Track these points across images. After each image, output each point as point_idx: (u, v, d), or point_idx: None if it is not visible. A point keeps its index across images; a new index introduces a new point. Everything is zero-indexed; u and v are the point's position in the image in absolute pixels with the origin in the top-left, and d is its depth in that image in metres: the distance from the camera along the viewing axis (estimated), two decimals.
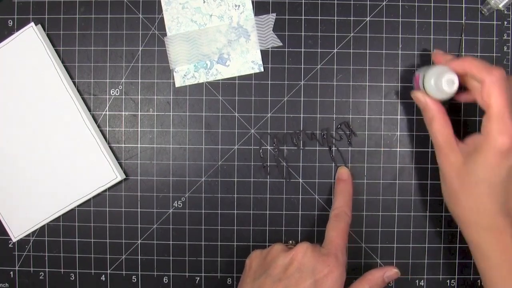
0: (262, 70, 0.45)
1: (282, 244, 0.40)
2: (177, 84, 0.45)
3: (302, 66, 0.45)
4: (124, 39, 0.45)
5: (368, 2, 0.45)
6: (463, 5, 0.45)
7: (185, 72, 0.45)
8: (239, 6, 0.44)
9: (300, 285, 0.36)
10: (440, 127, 0.38)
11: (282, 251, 0.39)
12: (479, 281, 0.45)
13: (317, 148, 0.45)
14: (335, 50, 0.45)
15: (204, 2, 0.44)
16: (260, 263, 0.39)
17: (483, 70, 0.35)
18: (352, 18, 0.45)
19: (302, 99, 0.45)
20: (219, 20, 0.44)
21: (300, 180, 0.45)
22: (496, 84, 0.34)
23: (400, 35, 0.45)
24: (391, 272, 0.41)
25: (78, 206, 0.45)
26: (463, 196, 0.37)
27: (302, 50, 0.45)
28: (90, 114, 0.45)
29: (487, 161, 0.35)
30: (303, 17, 0.45)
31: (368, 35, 0.45)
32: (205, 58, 0.44)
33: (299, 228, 0.45)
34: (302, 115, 0.45)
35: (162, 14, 0.45)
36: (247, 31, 0.44)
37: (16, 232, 0.45)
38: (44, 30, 0.45)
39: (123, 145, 0.45)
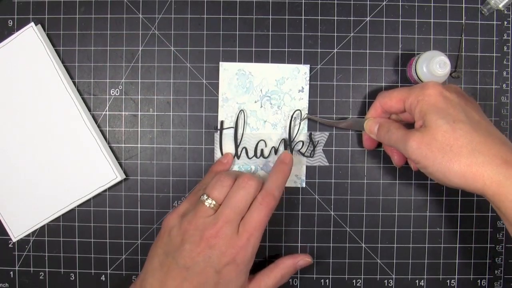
0: (304, 186, 0.45)
1: (205, 204, 0.37)
2: None
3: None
4: (124, 39, 0.45)
5: (368, 2, 0.45)
6: (463, 5, 0.45)
7: None
8: (295, 118, 0.44)
9: (202, 276, 0.35)
10: (395, 130, 0.37)
11: (198, 228, 0.36)
12: (479, 281, 0.45)
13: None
14: (335, 50, 0.45)
15: (261, 107, 0.44)
16: (176, 233, 0.37)
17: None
18: (352, 18, 0.45)
19: None
20: (272, 128, 0.44)
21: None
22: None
23: (400, 35, 0.45)
24: (304, 262, 0.42)
25: (78, 206, 0.45)
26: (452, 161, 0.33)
27: (302, 50, 0.45)
28: (90, 114, 0.45)
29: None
30: (303, 17, 0.45)
31: (368, 35, 0.45)
32: (251, 163, 0.44)
33: (299, 228, 0.45)
34: None
35: (162, 14, 0.45)
36: (297, 145, 0.44)
37: (16, 232, 0.45)
38: (44, 30, 0.45)
39: (123, 145, 0.45)
